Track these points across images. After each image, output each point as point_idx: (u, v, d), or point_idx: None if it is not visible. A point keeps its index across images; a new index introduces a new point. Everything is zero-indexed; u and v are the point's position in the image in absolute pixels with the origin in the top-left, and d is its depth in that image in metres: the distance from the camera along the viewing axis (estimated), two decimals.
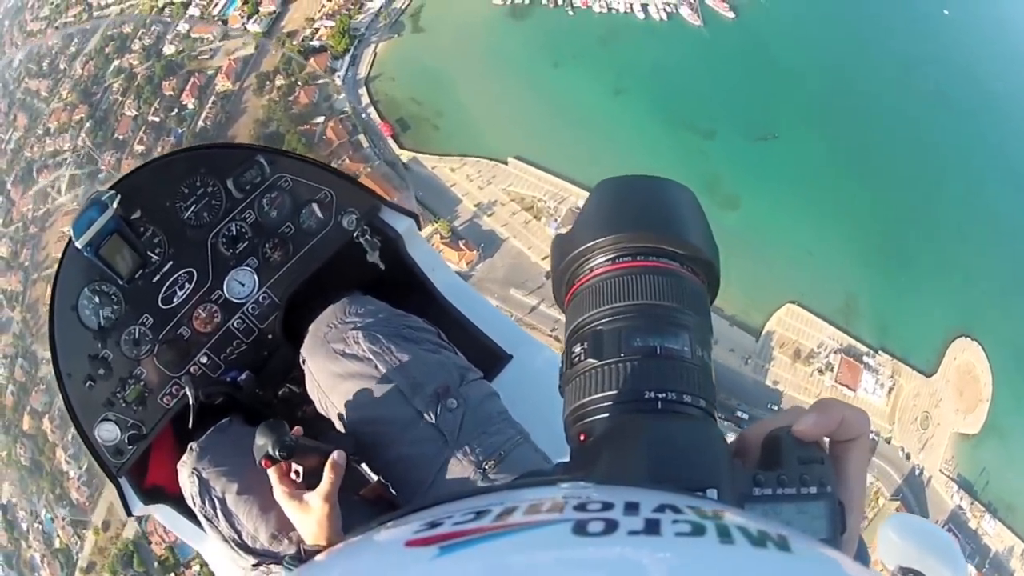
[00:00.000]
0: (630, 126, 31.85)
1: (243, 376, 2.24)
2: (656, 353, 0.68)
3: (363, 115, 35.21)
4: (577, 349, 0.72)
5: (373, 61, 36.98)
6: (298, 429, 1.67)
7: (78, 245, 2.00)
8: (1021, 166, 33.63)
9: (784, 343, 30.58)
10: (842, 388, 30.54)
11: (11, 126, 34.97)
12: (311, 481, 1.60)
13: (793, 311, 30.67)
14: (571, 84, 33.20)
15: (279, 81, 38.33)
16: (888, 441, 30.42)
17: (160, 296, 2.21)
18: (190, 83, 38.59)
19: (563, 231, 0.77)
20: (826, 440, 0.68)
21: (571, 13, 35.81)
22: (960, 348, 31.50)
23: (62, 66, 44.27)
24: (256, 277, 2.29)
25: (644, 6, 35.12)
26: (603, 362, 0.69)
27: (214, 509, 1.92)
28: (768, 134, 32.54)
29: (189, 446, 1.99)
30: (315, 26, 41.30)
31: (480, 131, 31.06)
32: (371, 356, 1.88)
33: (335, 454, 1.62)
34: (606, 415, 0.68)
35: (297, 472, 1.60)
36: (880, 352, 31.25)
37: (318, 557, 0.57)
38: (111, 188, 2.10)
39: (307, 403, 2.15)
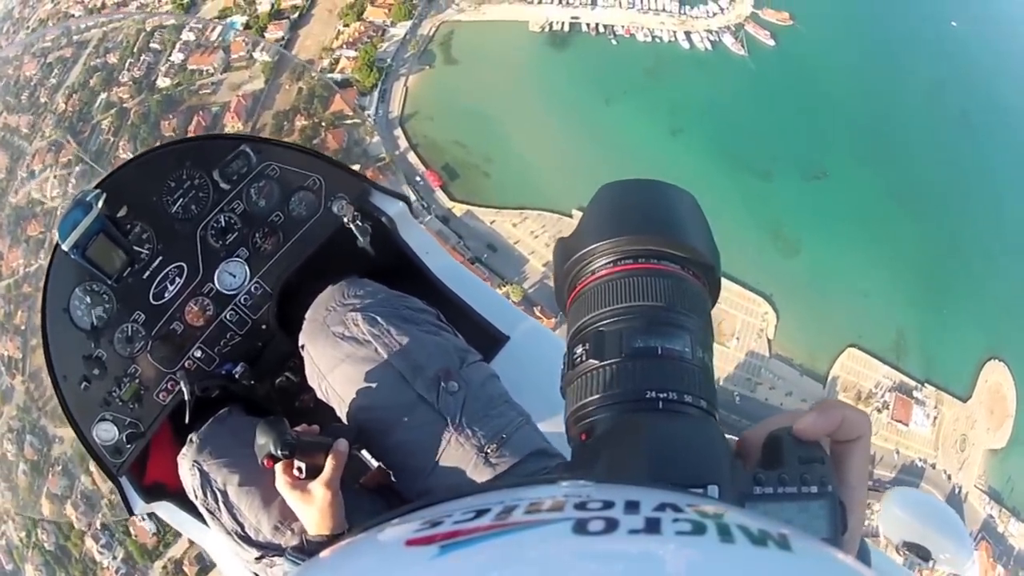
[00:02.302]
0: (691, 170, 29.92)
1: (239, 368, 2.16)
2: (657, 354, 0.67)
3: (403, 160, 30.87)
4: (579, 350, 0.71)
5: (405, 97, 33.10)
6: (304, 426, 1.63)
7: (64, 248, 1.94)
8: None
9: (848, 387, 30.17)
10: (897, 424, 30.78)
11: None
12: (311, 474, 1.54)
13: (853, 355, 30.26)
14: (626, 124, 31.52)
15: (300, 122, 32.80)
16: (933, 467, 30.76)
17: (151, 292, 2.12)
18: (193, 122, 33.32)
19: (565, 236, 0.78)
20: (827, 440, 0.68)
21: (615, 42, 33.10)
22: (991, 370, 31.86)
23: (43, 99, 37.68)
24: (247, 268, 2.20)
25: (688, 34, 32.22)
26: (604, 362, 0.68)
27: (216, 502, 1.84)
28: (819, 172, 31.90)
29: (189, 438, 1.90)
30: (335, 56, 35.73)
31: (536, 179, 28.35)
32: (371, 339, 1.80)
33: (337, 442, 1.57)
34: (607, 415, 0.67)
35: (300, 469, 1.53)
36: (926, 384, 31.35)
37: (319, 555, 0.60)
38: (96, 187, 2.03)
39: (304, 392, 2.13)
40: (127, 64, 40.83)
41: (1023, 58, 37.96)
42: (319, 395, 1.93)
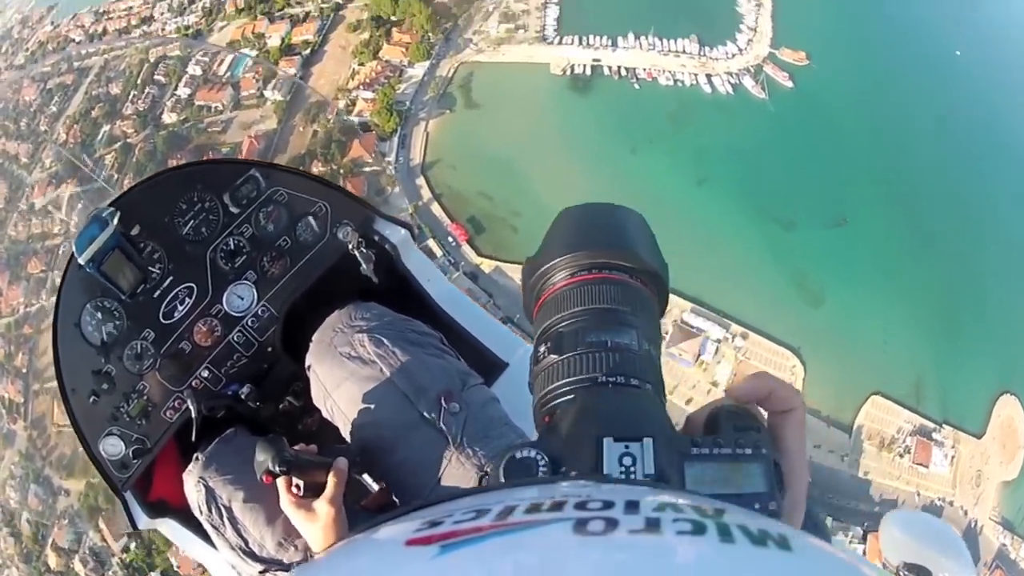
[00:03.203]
0: (719, 223, 30.42)
1: (244, 389, 2.19)
2: (607, 346, 0.77)
3: (426, 211, 29.97)
4: (542, 349, 0.81)
5: (426, 143, 32.28)
6: (301, 446, 1.66)
7: (80, 261, 1.97)
8: None
9: (872, 435, 30.55)
10: (918, 467, 31.05)
11: None
12: (312, 493, 1.58)
13: (877, 402, 30.47)
14: (653, 174, 31.20)
15: (316, 167, 32.25)
16: (951, 504, 30.97)
17: (161, 311, 2.15)
18: None
19: (532, 256, 0.89)
20: (765, 415, 0.76)
21: (637, 86, 32.69)
22: (1004, 404, 32.06)
23: (43, 127, 36.85)
24: (255, 291, 2.24)
25: (709, 77, 31.65)
26: (563, 356, 0.78)
27: (220, 517, 1.89)
28: (840, 219, 31.91)
29: (195, 455, 1.97)
30: (351, 96, 34.46)
31: None
32: (376, 359, 1.85)
33: (338, 461, 1.61)
34: (566, 399, 0.76)
35: (298, 487, 1.56)
36: (944, 425, 31.56)
37: (319, 555, 0.63)
38: (110, 205, 2.06)
39: (308, 415, 2.19)
40: (131, 96, 39.61)
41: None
42: (324, 414, 1.96)
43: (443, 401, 1.71)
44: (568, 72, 34.06)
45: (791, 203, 31.55)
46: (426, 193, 31.67)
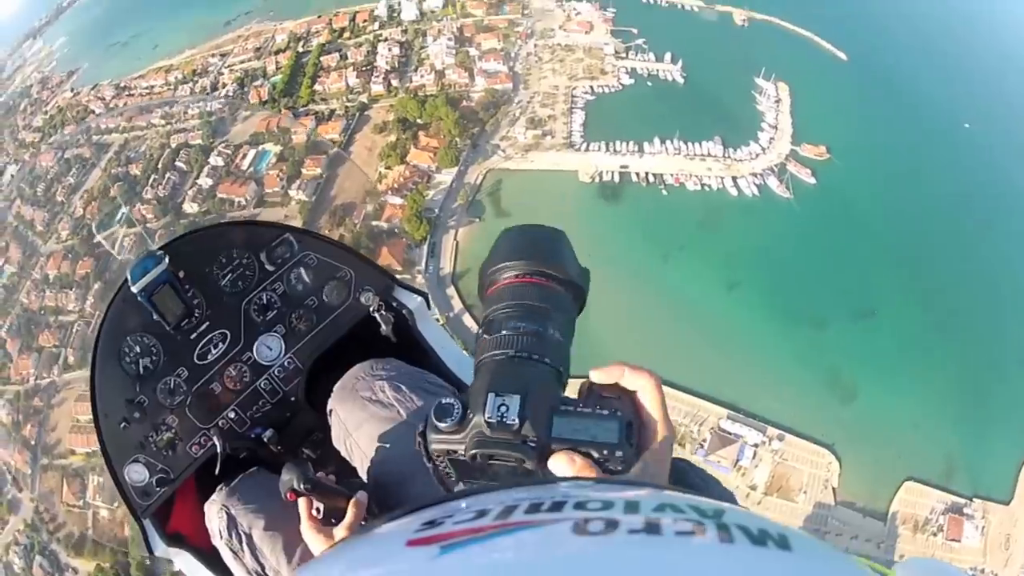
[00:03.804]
0: (751, 326, 31.96)
1: (267, 433, 2.34)
2: (520, 331, 1.01)
3: (458, 322, 30.26)
4: (480, 331, 1.06)
5: (456, 252, 32.20)
6: (322, 474, 1.77)
7: (134, 289, 2.13)
8: None
9: (906, 519, 31.51)
10: (951, 543, 31.81)
11: (2, 255, 30.42)
12: (331, 520, 1.68)
13: (910, 487, 31.61)
14: (686, 281, 32.96)
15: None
16: (982, 572, 31.84)
17: (196, 352, 2.32)
18: None
19: (486, 260, 1.12)
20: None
21: (665, 192, 33.90)
22: None
23: (59, 198, 37.08)
24: (283, 343, 2.41)
25: (735, 180, 32.42)
26: (491, 336, 1.02)
27: (240, 543, 2.00)
28: (868, 311, 33.44)
29: (219, 486, 2.12)
30: (380, 201, 34.53)
31: (602, 346, 28.63)
32: (395, 403, 2.02)
33: (359, 494, 1.71)
34: (485, 365, 1.01)
35: (318, 509, 1.67)
36: (973, 499, 32.61)
37: (320, 556, 0.62)
38: (159, 249, 2.27)
39: (325, 466, 2.19)
40: (151, 180, 39.52)
41: None
42: (343, 453, 2.15)
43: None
44: (597, 179, 35.01)
45: (820, 300, 33.21)
46: (457, 304, 32.24)
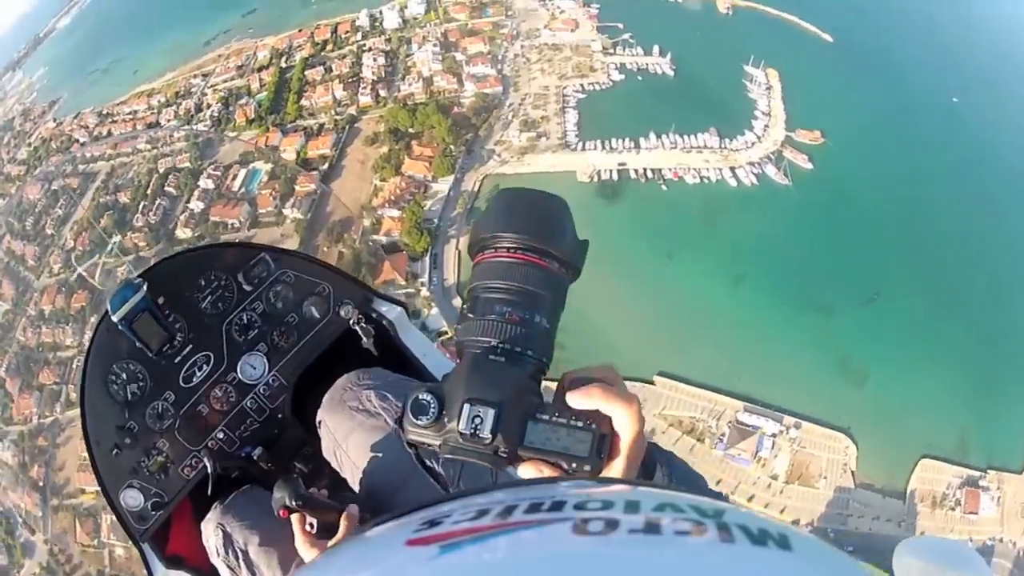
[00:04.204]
0: (758, 318, 31.78)
1: (257, 451, 2.35)
2: (506, 317, 1.00)
3: None
4: (466, 306, 1.05)
5: (459, 262, 31.82)
6: (314, 490, 1.80)
7: (114, 319, 2.16)
8: None
9: (924, 496, 31.75)
10: (969, 516, 32.17)
11: None
12: (325, 534, 1.71)
13: (926, 464, 31.80)
14: (691, 278, 32.69)
15: None
16: (1001, 541, 31.96)
17: (181, 375, 2.35)
18: None
19: (479, 218, 1.09)
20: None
21: (664, 187, 33.72)
22: None
23: (49, 230, 36.49)
24: (266, 361, 2.44)
25: (733, 170, 32.37)
26: (476, 318, 1.02)
27: (236, 559, 2.03)
28: (873, 295, 33.53)
29: (214, 505, 2.16)
30: (377, 215, 34.12)
31: (612, 348, 29.95)
32: (382, 411, 2.05)
33: (350, 507, 1.73)
34: (468, 351, 1.02)
35: (312, 524, 1.69)
36: (988, 471, 32.94)
37: (320, 556, 0.63)
38: (138, 276, 2.30)
39: (317, 480, 2.31)
40: (140, 207, 38.68)
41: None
42: (334, 463, 2.17)
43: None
44: (595, 178, 34.69)
45: (826, 286, 33.26)
46: None
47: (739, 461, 29.43)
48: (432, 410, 0.98)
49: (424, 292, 32.29)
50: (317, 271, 2.56)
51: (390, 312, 2.64)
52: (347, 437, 2.07)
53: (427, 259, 33.37)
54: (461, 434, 0.96)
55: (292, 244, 34.95)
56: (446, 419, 0.99)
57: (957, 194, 36.92)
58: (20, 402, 25.34)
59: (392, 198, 35.56)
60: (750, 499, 28.55)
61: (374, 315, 2.62)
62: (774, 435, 29.95)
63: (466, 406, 0.96)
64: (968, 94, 40.67)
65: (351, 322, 2.51)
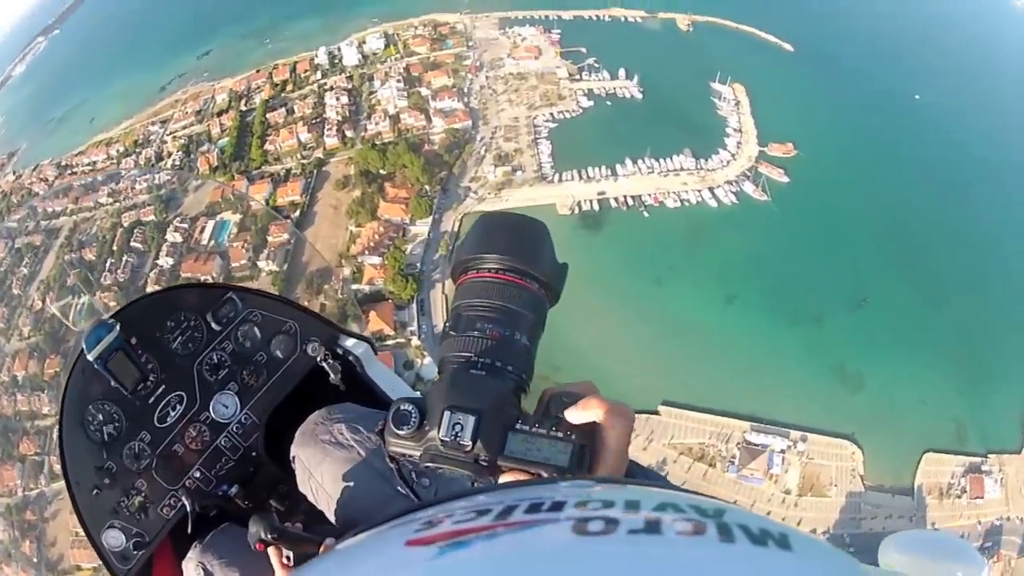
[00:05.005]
0: (753, 335, 31.84)
1: (233, 489, 2.38)
2: (486, 334, 1.02)
3: None
4: (448, 325, 1.07)
5: (447, 307, 30.13)
6: (289, 524, 1.80)
7: (89, 357, 2.19)
8: None
9: (931, 489, 32.02)
10: (975, 501, 32.45)
11: None
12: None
13: (930, 458, 32.06)
14: (683, 302, 32.55)
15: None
16: (1008, 519, 32.42)
17: (156, 415, 2.36)
18: None
19: (460, 242, 1.17)
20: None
21: (646, 214, 33.01)
22: None
23: (15, 290, 34.24)
24: (238, 400, 2.46)
25: (712, 191, 32.08)
26: (458, 335, 1.04)
27: None
28: (861, 299, 33.87)
29: (194, 544, 2.19)
30: (357, 263, 32.91)
31: (611, 380, 28.78)
32: (354, 444, 2.05)
33: (327, 540, 1.72)
34: (451, 367, 1.04)
35: (288, 557, 1.69)
36: (988, 456, 33.34)
37: (320, 556, 0.66)
38: (110, 317, 2.31)
39: (293, 516, 2.32)
40: (108, 264, 36.85)
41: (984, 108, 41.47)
42: (310, 497, 2.16)
43: (414, 476, 1.80)
44: (576, 210, 34.17)
45: (814, 296, 33.48)
46: None
47: (752, 481, 29.45)
48: (413, 419, 0.99)
49: (415, 341, 31.19)
50: (284, 310, 2.59)
51: (356, 348, 2.65)
52: (321, 470, 2.08)
53: (413, 306, 32.20)
54: (442, 441, 0.97)
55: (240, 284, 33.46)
56: (427, 427, 0.99)
57: (928, 189, 37.59)
58: (3, 473, 23.19)
59: (371, 244, 34.36)
60: (766, 515, 27.88)
61: (340, 351, 2.64)
62: (783, 451, 30.10)
63: (446, 413, 0.97)
64: (929, 91, 41.52)
65: (318, 359, 2.53)
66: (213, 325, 2.47)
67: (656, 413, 29.93)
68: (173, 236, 36.79)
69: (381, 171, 36.97)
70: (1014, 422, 33.32)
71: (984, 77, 43.44)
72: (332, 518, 2.04)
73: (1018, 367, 33.82)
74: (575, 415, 0.97)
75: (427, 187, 35.93)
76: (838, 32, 44.39)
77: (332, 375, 2.51)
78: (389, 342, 31.04)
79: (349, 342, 2.64)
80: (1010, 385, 33.34)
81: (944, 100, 41.30)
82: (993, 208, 37.51)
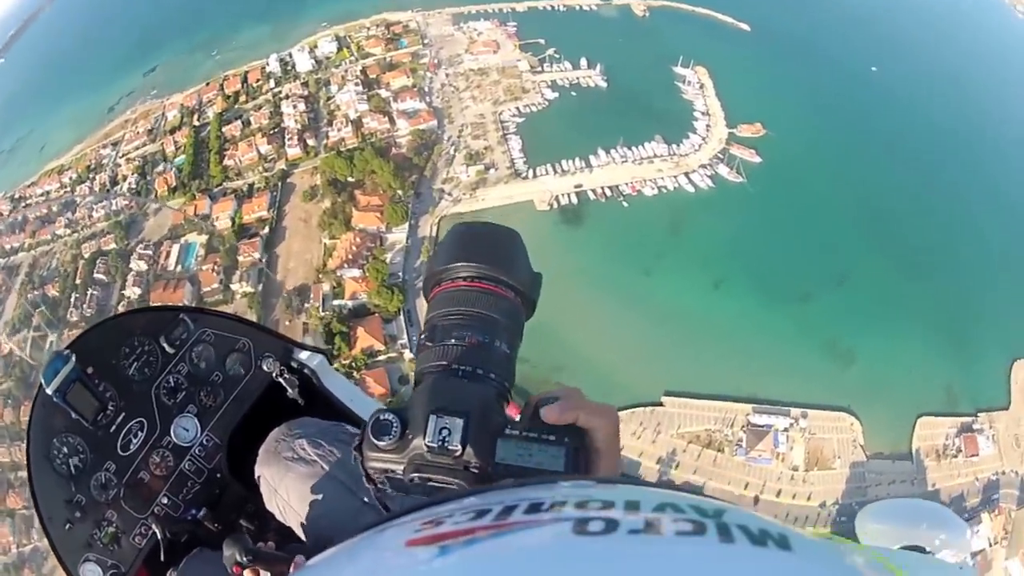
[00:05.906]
0: (743, 318, 31.62)
1: (202, 513, 2.37)
2: (465, 341, 0.98)
3: None
4: (423, 336, 1.03)
5: None
6: (262, 544, 1.80)
7: (48, 391, 2.17)
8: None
9: (928, 452, 32.59)
10: (971, 459, 33.11)
11: None
12: None
13: (924, 422, 32.61)
14: (672, 290, 32.04)
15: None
16: (1003, 473, 33.05)
17: (119, 444, 2.34)
18: None
19: (432, 256, 1.14)
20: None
21: (625, 204, 32.57)
22: (1018, 370, 34.84)
23: None
24: (197, 422, 2.43)
25: (688, 175, 31.88)
26: (434, 345, 1.00)
27: None
28: (842, 273, 34.05)
29: (168, 571, 2.15)
30: (336, 277, 31.51)
31: (612, 376, 29.63)
32: (317, 459, 2.03)
33: (297, 557, 1.74)
34: (430, 377, 1.00)
35: None
36: (978, 414, 33.94)
37: (320, 556, 0.66)
38: (66, 348, 2.31)
39: (263, 534, 2.29)
40: (72, 299, 34.79)
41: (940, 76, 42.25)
42: (277, 515, 2.12)
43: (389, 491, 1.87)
44: (554, 204, 33.43)
45: (798, 274, 33.45)
46: None
47: (761, 461, 29.68)
48: (395, 429, 0.94)
49: (408, 354, 29.86)
50: (236, 327, 2.56)
51: (311, 360, 2.60)
52: (286, 488, 2.04)
53: (401, 317, 30.86)
54: (428, 448, 0.91)
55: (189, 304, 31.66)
56: (410, 436, 0.94)
57: (894, 158, 37.92)
58: None
59: (349, 256, 32.68)
60: (778, 494, 28.93)
61: (295, 365, 2.59)
62: (786, 429, 30.30)
63: (432, 417, 0.92)
64: (885, 62, 42.01)
65: (274, 375, 2.48)
66: (167, 348, 2.45)
67: (660, 404, 29.59)
68: (137, 264, 34.79)
69: (349, 179, 35.38)
70: (999, 380, 34.17)
71: (939, 46, 44.08)
72: (302, 535, 2.01)
73: (997, 328, 34.65)
74: (552, 413, 0.93)
75: (400, 192, 34.53)
76: (791, 9, 44.58)
77: (289, 390, 2.48)
78: (381, 357, 29.62)
79: (304, 355, 2.61)
80: (991, 345, 34.08)
81: (900, 70, 41.82)
82: (956, 171, 38.08)
